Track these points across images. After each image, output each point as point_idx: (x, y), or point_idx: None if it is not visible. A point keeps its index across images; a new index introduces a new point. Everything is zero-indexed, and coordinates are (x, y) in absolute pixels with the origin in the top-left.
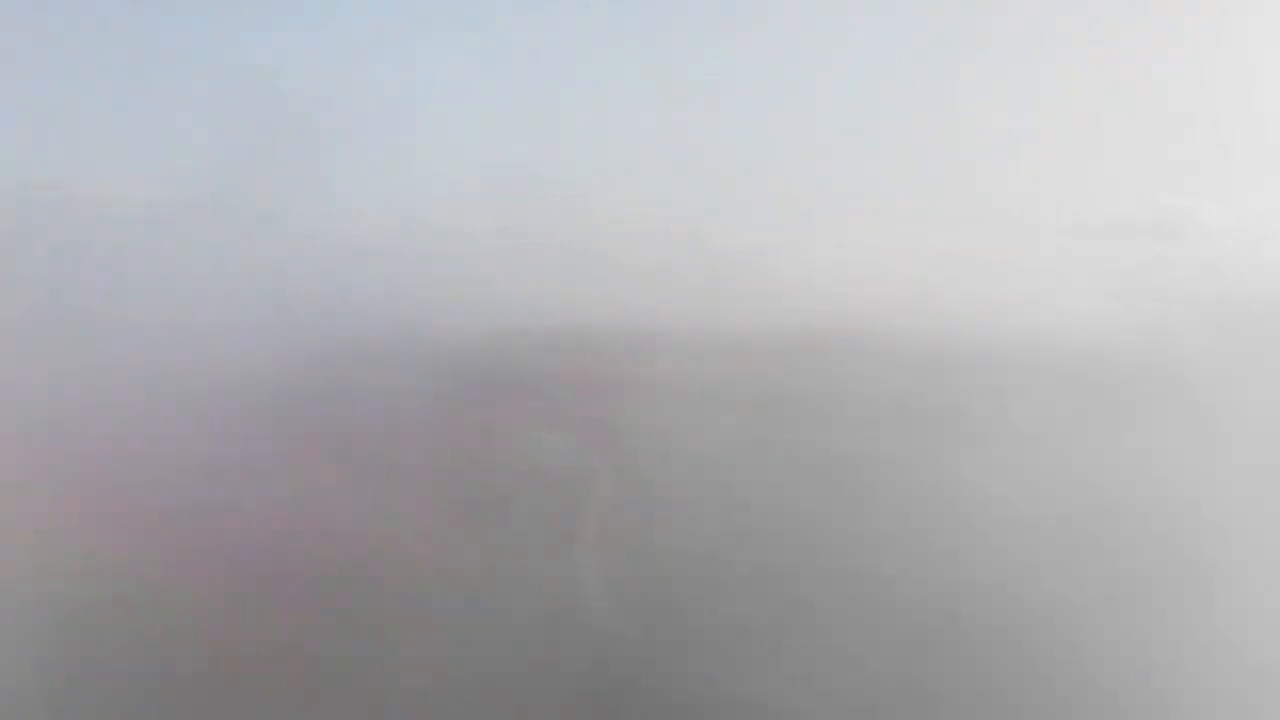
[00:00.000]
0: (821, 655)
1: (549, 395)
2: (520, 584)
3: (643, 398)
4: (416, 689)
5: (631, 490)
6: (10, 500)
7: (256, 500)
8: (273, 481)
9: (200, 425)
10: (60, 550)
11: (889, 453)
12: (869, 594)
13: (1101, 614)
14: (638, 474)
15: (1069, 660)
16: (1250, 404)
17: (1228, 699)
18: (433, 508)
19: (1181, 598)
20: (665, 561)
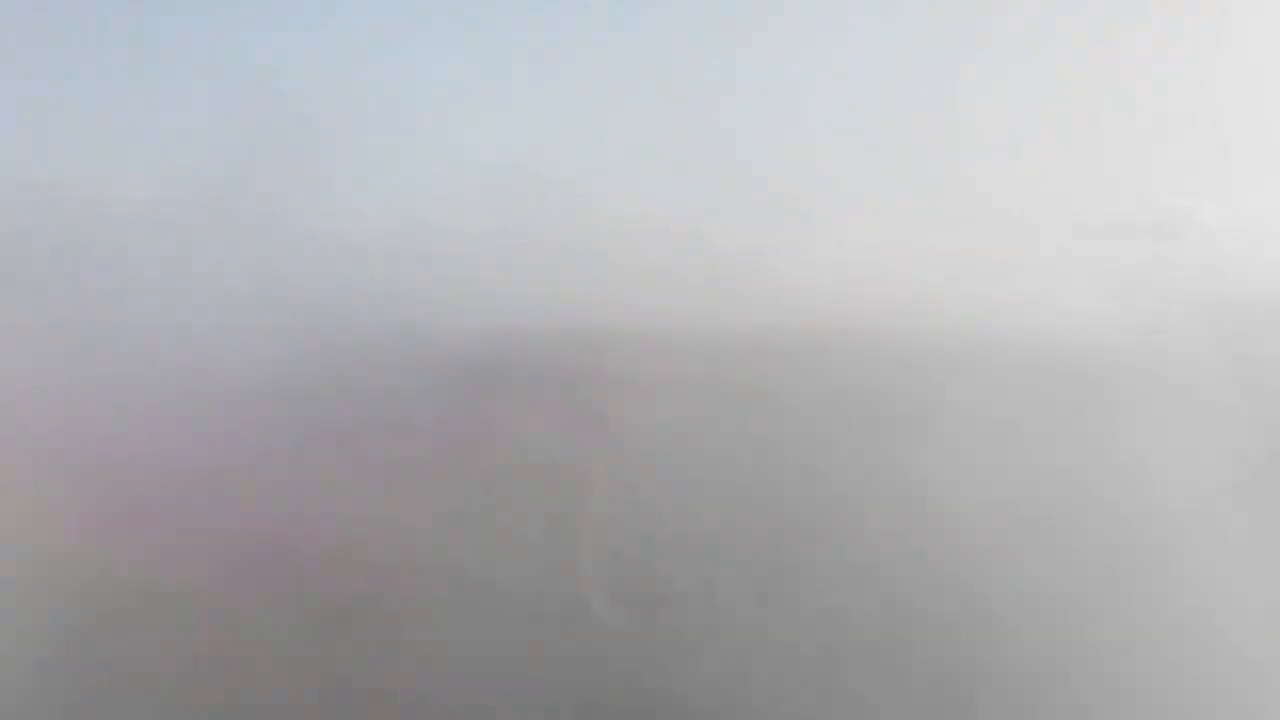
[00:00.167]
0: (821, 655)
1: (549, 395)
2: (520, 583)
3: (643, 397)
4: (416, 689)
5: (631, 490)
6: (10, 500)
7: (256, 499)
8: (272, 480)
9: (200, 424)
10: (60, 550)
11: (889, 452)
12: (869, 594)
13: (1102, 614)
14: (638, 473)
15: (1069, 659)
16: (1250, 404)
17: (1227, 699)
18: (433, 507)
19: (1181, 598)
20: (665, 561)
